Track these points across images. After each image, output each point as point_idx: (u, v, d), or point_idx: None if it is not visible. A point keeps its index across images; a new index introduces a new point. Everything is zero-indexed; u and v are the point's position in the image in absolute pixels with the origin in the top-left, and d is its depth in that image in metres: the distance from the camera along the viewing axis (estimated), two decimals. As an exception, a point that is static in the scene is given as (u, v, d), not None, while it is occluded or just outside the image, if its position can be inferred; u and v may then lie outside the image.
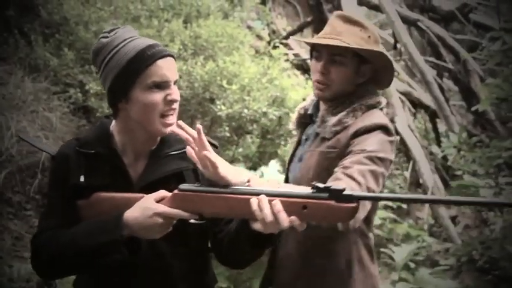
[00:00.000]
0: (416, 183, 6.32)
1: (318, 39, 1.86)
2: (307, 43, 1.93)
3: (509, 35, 3.93)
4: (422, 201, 1.62)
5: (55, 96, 4.28)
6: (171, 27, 4.43)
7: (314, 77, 1.82)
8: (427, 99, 7.11)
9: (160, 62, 1.45)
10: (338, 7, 7.39)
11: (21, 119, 3.79)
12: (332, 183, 1.32)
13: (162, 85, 1.45)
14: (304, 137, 1.91)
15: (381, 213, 5.01)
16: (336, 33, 1.79)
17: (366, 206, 1.60)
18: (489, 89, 4.10)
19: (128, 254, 1.38)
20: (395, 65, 7.42)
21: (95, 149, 1.52)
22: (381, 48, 1.84)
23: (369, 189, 1.56)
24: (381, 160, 1.64)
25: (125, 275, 1.48)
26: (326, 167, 1.70)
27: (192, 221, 1.35)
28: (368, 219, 1.77)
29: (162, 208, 1.34)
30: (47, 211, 1.56)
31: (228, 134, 4.23)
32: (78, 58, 4.42)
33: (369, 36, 1.80)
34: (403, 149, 6.63)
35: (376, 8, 7.48)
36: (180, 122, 1.39)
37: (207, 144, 1.34)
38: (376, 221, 4.93)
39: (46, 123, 3.99)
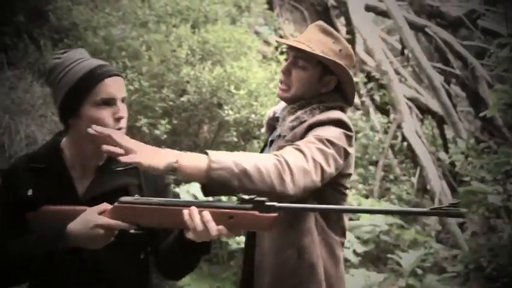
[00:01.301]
0: (423, 189, 6.29)
1: (286, 40, 1.92)
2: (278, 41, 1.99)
3: (518, 41, 3.92)
4: (348, 211, 1.67)
5: (64, 100, 4.30)
6: (179, 32, 4.44)
7: (279, 77, 1.89)
8: (434, 105, 7.10)
9: (108, 81, 1.57)
10: (345, 13, 7.42)
11: (30, 123, 3.82)
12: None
13: (109, 102, 1.56)
14: (270, 139, 1.95)
15: (387, 219, 4.99)
16: (307, 39, 1.83)
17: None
18: (497, 95, 4.07)
19: (69, 263, 1.47)
20: (403, 71, 7.45)
21: (45, 163, 1.61)
22: (349, 63, 1.85)
23: (315, 161, 1.57)
24: (332, 143, 1.65)
25: (72, 283, 1.57)
26: None
27: (132, 231, 1.45)
28: (332, 218, 1.79)
29: (102, 220, 1.44)
30: None
31: (235, 139, 4.23)
32: (87, 63, 4.45)
33: (340, 50, 1.83)
34: (410, 154, 6.62)
35: (384, 14, 7.49)
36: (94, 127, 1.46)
37: (121, 136, 1.42)
38: (383, 226, 4.92)
39: (55, 127, 4.01)
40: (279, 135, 1.86)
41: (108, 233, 1.44)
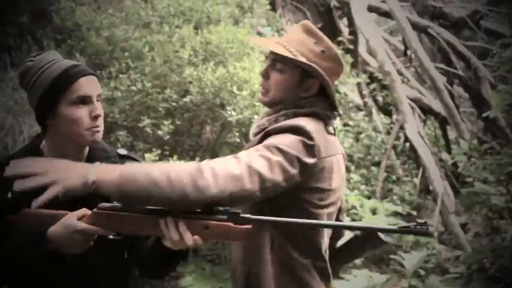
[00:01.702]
0: (426, 189, 6.29)
1: (260, 40, 1.87)
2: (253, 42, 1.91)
3: (521, 42, 3.92)
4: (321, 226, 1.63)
5: (67, 101, 4.31)
6: (182, 33, 4.45)
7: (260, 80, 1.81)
8: (437, 105, 7.08)
9: (82, 80, 1.58)
10: (348, 14, 7.41)
11: (33, 123, 3.83)
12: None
13: (85, 100, 1.58)
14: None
15: (390, 220, 4.99)
16: (287, 40, 1.71)
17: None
18: (500, 95, 4.08)
19: (49, 267, 1.48)
20: (406, 72, 7.45)
21: None
22: (334, 65, 1.71)
23: (249, 168, 1.43)
24: (280, 151, 1.50)
25: (55, 282, 1.58)
26: None
27: (110, 236, 1.47)
28: (297, 239, 1.64)
29: (81, 225, 1.45)
30: None
31: (238, 140, 4.24)
32: (90, 63, 4.46)
33: (323, 51, 1.69)
34: (412, 155, 6.61)
35: (387, 15, 7.48)
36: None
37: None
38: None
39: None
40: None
41: (86, 238, 1.46)
